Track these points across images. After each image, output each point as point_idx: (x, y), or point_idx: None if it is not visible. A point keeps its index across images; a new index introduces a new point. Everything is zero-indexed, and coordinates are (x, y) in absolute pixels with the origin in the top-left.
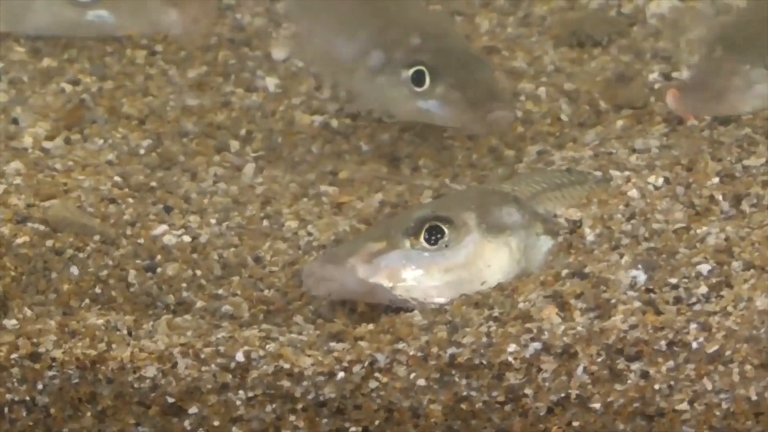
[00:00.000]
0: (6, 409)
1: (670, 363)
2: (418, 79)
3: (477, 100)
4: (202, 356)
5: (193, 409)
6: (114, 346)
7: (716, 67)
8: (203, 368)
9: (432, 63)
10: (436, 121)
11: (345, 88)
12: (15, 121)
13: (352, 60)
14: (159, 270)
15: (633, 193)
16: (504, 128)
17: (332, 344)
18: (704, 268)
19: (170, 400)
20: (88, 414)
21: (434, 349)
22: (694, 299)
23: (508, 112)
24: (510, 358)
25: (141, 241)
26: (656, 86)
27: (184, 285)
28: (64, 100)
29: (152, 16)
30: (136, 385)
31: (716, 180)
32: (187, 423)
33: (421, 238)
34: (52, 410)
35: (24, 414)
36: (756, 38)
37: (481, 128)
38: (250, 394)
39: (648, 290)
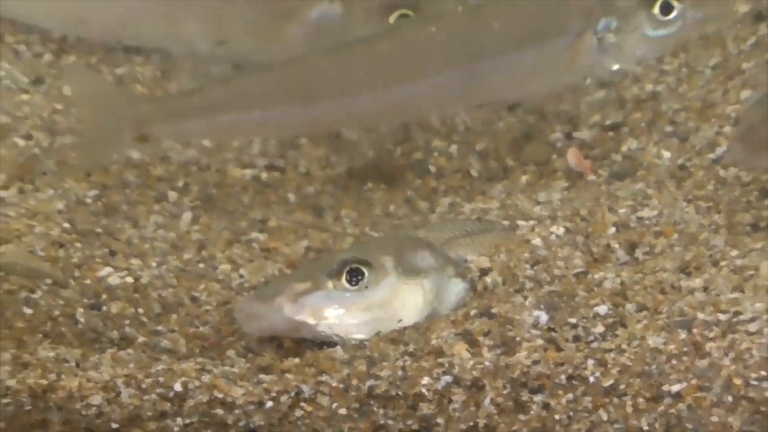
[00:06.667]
0: None
1: (569, 395)
2: (665, 11)
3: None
4: (143, 386)
5: None
6: (63, 376)
7: (761, 119)
8: (144, 397)
9: None
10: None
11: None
12: None
13: (564, 45)
14: (104, 308)
15: (537, 241)
16: None
17: (261, 376)
18: (601, 309)
19: (114, 426)
20: None
21: (354, 381)
22: (591, 337)
23: None
24: (423, 390)
25: (87, 282)
26: (558, 144)
27: (127, 322)
28: (17, 154)
29: None
30: (83, 413)
31: (613, 230)
32: None
33: (343, 279)
34: None
35: None
36: None
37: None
38: (187, 421)
39: (549, 329)
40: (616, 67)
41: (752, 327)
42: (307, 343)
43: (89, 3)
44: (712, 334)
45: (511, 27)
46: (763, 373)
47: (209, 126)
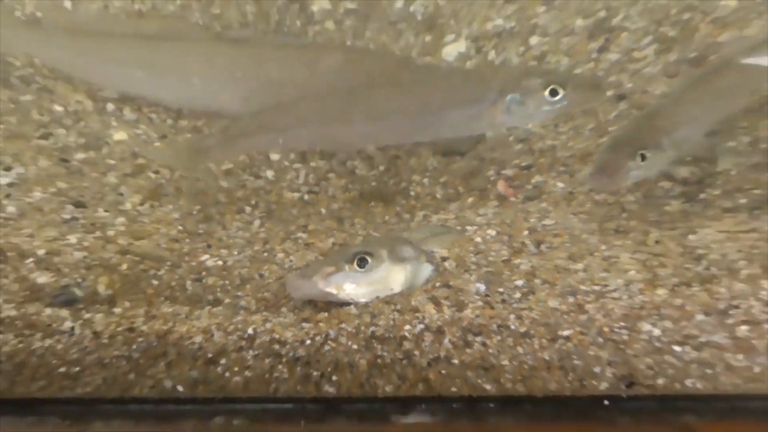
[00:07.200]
0: (113, 361)
1: (499, 337)
2: (553, 94)
3: (590, 81)
4: (228, 330)
5: (223, 361)
6: (177, 324)
7: (608, 159)
8: (228, 337)
9: (558, 80)
10: (572, 108)
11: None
12: (120, 194)
13: (482, 109)
14: (204, 281)
15: (478, 239)
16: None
17: (303, 324)
18: (519, 283)
19: (209, 356)
20: (162, 363)
21: (362, 328)
22: (513, 301)
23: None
24: (406, 333)
25: (193, 264)
26: (492, 178)
27: (218, 289)
28: (150, 183)
29: None
30: (189, 347)
31: (526, 233)
32: (219, 369)
33: (355, 264)
34: (141, 361)
35: (123, 364)
36: (633, 138)
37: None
38: (255, 353)
39: (486, 295)
40: (518, 125)
41: (615, 294)
42: (333, 304)
43: (196, 91)
44: (589, 299)
45: (453, 93)
46: (622, 323)
47: (236, 148)
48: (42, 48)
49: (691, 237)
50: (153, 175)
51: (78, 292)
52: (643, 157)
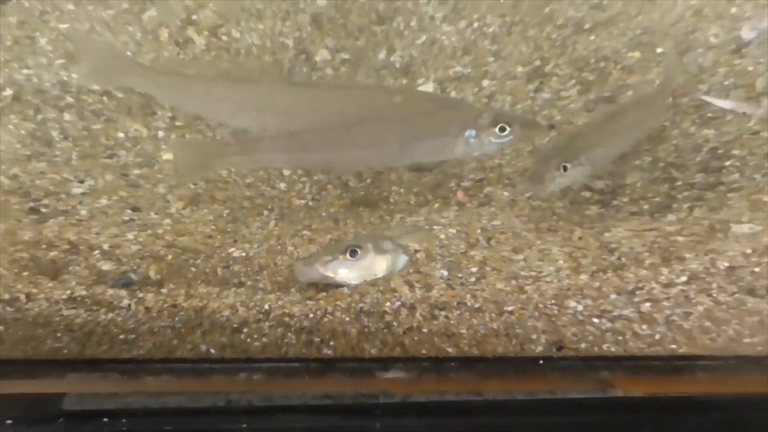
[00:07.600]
0: (160, 330)
1: (458, 312)
2: (502, 130)
3: (530, 123)
4: (249, 306)
5: (245, 330)
6: (210, 301)
7: (537, 169)
8: (249, 312)
9: (506, 119)
10: (516, 142)
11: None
12: (167, 201)
13: (447, 141)
14: (231, 268)
15: (442, 236)
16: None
17: (307, 302)
18: (474, 269)
19: (234, 326)
20: (198, 332)
21: (353, 304)
22: (469, 284)
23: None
24: (387, 309)
25: (223, 255)
26: (453, 189)
27: (242, 275)
28: (191, 192)
29: None
30: (219, 319)
31: (479, 231)
32: (242, 336)
33: (347, 254)
34: (182, 330)
35: (168, 332)
36: (558, 154)
37: (535, 130)
38: (270, 324)
39: (448, 279)
40: (475, 154)
41: (548, 279)
42: (330, 286)
43: (267, 121)
44: (528, 282)
45: (423, 127)
46: (553, 301)
47: (251, 161)
48: (155, 85)
49: (606, 234)
50: (192, 186)
51: (134, 277)
52: (565, 168)
